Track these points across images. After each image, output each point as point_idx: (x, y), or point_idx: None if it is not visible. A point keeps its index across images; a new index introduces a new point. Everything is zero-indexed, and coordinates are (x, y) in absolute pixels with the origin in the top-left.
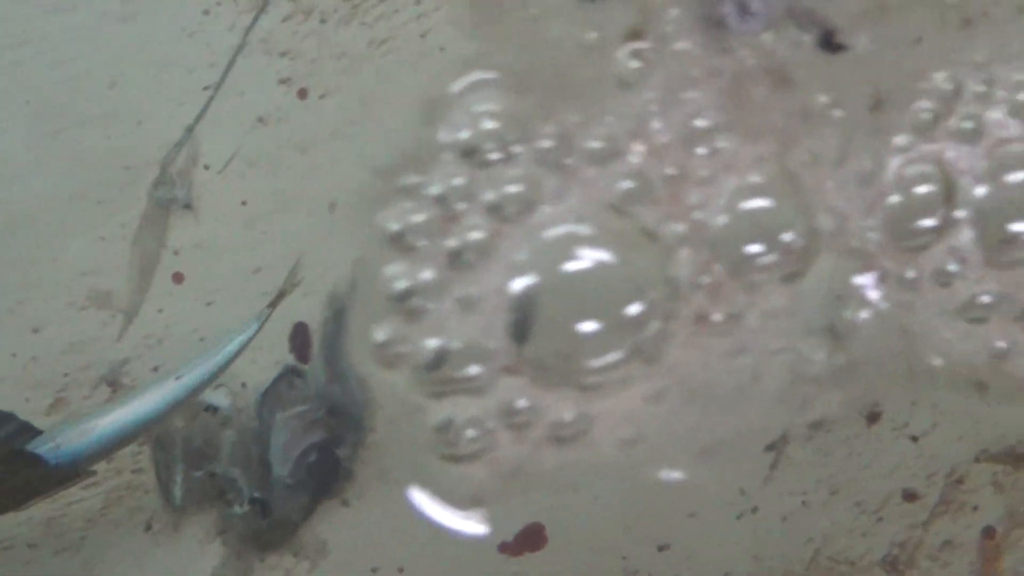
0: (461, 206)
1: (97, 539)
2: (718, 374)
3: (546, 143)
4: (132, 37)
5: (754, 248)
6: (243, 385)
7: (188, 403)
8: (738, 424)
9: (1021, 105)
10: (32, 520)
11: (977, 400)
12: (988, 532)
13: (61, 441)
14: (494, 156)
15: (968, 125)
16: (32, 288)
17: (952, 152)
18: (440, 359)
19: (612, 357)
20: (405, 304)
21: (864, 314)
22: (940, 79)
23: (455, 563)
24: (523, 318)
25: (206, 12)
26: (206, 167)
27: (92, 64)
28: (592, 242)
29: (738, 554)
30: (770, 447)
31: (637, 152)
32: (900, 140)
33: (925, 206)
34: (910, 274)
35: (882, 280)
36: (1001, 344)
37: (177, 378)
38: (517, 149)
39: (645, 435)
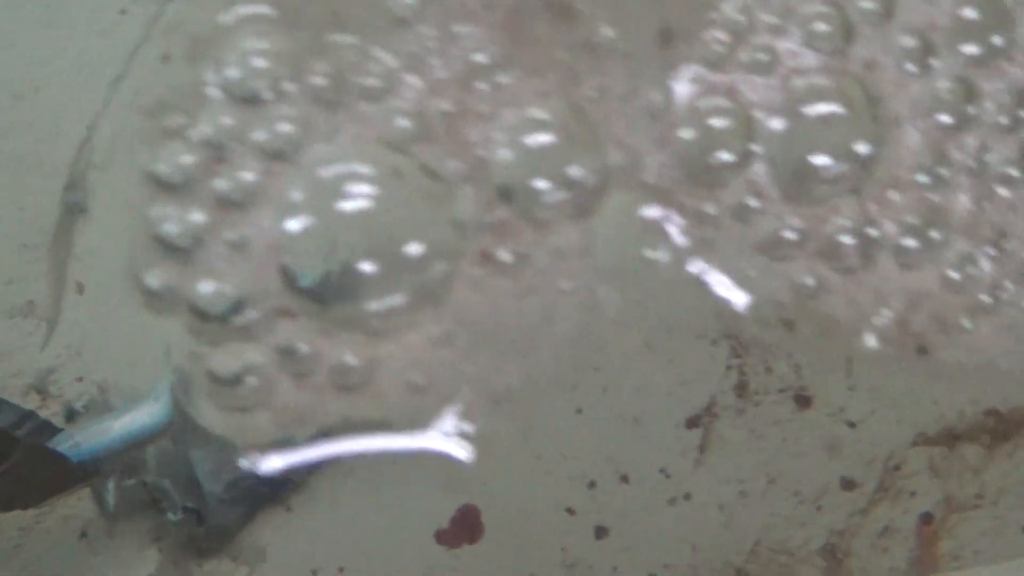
0: (231, 147)
1: (32, 547)
2: (507, 316)
3: (319, 80)
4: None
5: (541, 185)
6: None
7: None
8: (530, 368)
9: (815, 35)
10: None
11: (790, 338)
12: (925, 518)
13: (80, 440)
14: (265, 95)
15: (762, 57)
16: None
17: (746, 84)
18: (215, 304)
19: (395, 300)
20: (175, 248)
21: (661, 253)
22: (730, 9)
23: (395, 560)
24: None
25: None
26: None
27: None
28: (369, 181)
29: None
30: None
31: (414, 88)
32: (691, 72)
33: (720, 140)
34: (708, 210)
35: (679, 217)
36: (807, 281)
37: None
38: (289, 87)
39: (435, 381)
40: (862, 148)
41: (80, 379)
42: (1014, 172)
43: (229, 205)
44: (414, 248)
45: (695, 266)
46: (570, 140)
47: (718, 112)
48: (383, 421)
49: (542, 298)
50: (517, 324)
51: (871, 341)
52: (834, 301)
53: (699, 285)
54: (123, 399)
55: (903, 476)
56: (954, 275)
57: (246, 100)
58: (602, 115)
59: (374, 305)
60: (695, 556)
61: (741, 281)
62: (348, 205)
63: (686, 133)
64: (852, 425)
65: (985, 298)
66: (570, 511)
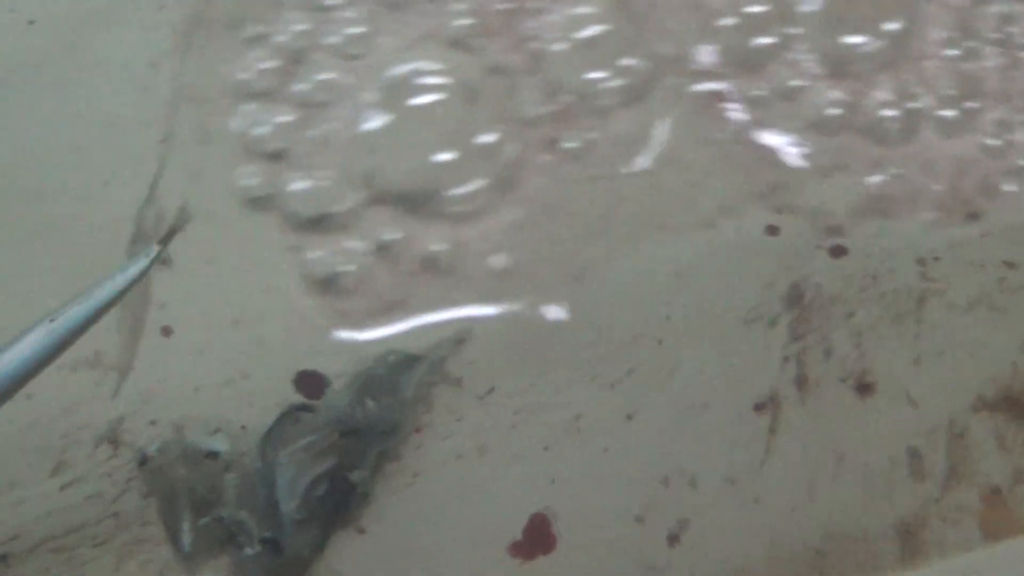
0: (307, 51)
1: None
2: (578, 199)
3: None
4: (83, 99)
5: (595, 75)
6: (243, 428)
7: (66, 348)
8: (607, 248)
9: None
10: None
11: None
12: (993, 487)
13: None
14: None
15: None
16: None
17: None
18: (306, 200)
19: (472, 187)
20: (264, 149)
21: (716, 132)
22: None
23: None
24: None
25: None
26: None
27: (47, 132)
28: (437, 75)
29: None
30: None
31: None
32: None
33: (760, 25)
34: (756, 91)
35: (730, 98)
36: (860, 159)
37: (51, 320)
38: None
39: (516, 262)
40: (893, 26)
41: (154, 423)
42: None
43: (311, 105)
44: (485, 138)
45: (750, 139)
46: (619, 31)
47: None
48: (470, 301)
49: (608, 182)
50: (588, 207)
51: (927, 213)
52: (886, 180)
53: (756, 158)
54: (200, 435)
55: (969, 446)
56: (993, 142)
57: (318, 7)
58: (647, 6)
59: (454, 193)
60: (772, 548)
61: (796, 156)
62: (420, 100)
63: (726, 20)
64: (914, 403)
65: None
66: (641, 517)
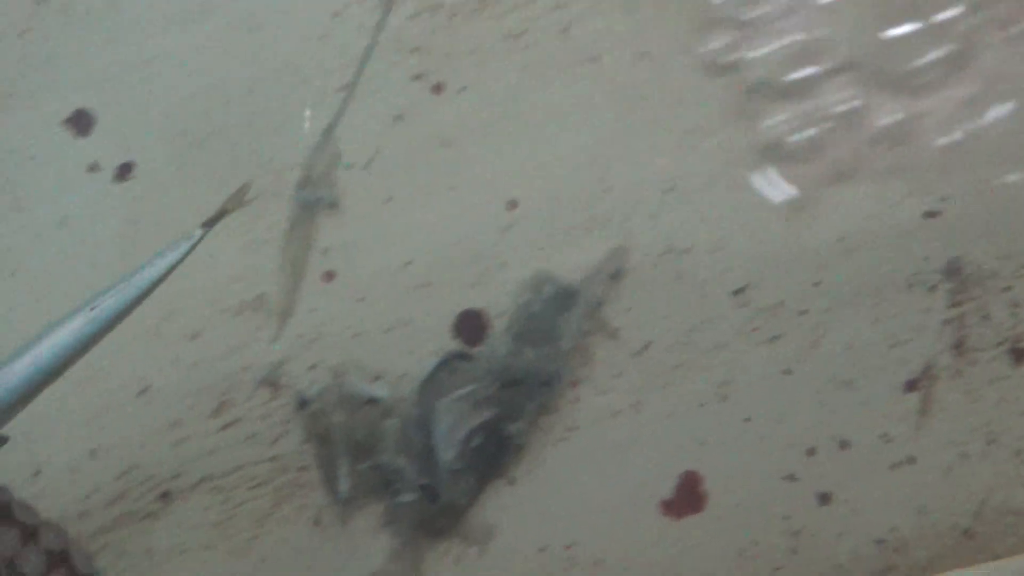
0: None
1: (268, 538)
2: None
3: None
4: (263, 45)
5: None
6: (403, 375)
7: (105, 335)
8: None
9: None
10: (204, 524)
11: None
12: None
13: None
14: None
15: None
16: (186, 296)
17: None
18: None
19: (930, 59)
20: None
21: None
22: None
23: (622, 533)
24: None
25: (335, 15)
26: (348, 166)
27: (226, 73)
28: None
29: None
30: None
31: None
32: None
33: None
34: None
35: None
36: None
37: (91, 309)
38: None
39: (973, 133)
40: None
41: (313, 367)
42: None
43: None
44: (943, 15)
45: None
46: None
47: None
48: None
49: None
50: None
51: None
52: None
53: None
54: (359, 381)
55: None
56: None
57: None
58: None
59: (912, 64)
60: (921, 519)
61: None
62: None
63: None
64: None
65: None
66: (791, 477)
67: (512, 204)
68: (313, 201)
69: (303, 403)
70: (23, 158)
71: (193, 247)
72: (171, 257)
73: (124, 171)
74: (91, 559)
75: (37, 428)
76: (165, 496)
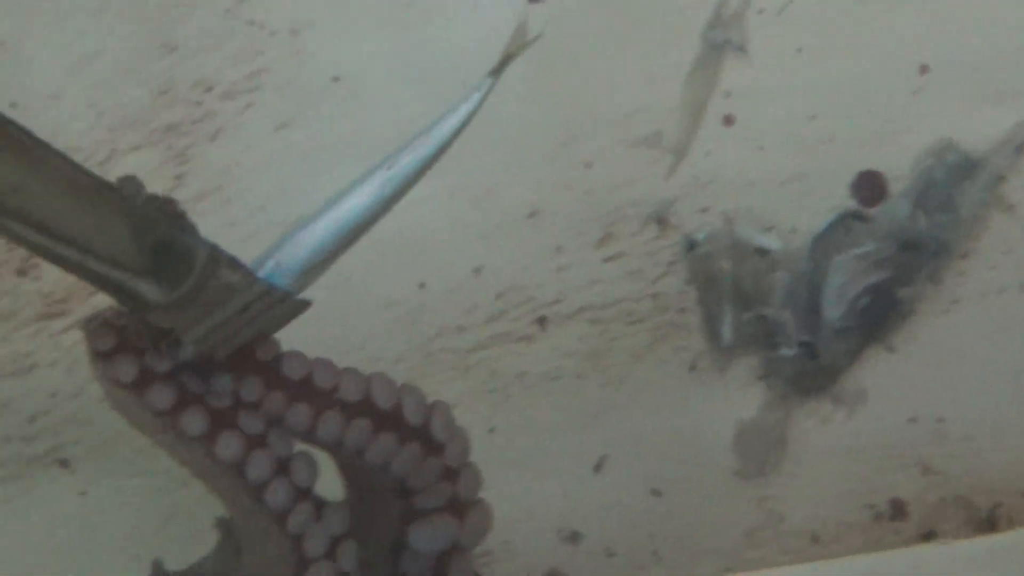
0: None
1: (641, 375)
2: None
3: None
4: None
5: None
6: (793, 229)
7: (404, 194)
8: None
9: None
10: (579, 353)
11: None
12: None
13: (280, 258)
14: None
15: None
16: (585, 124)
17: None
18: None
19: None
20: None
21: None
22: None
23: (996, 413)
24: None
25: None
26: (760, 11)
27: None
28: None
29: None
30: None
31: None
32: None
33: None
34: None
35: None
36: None
37: (388, 168)
38: None
39: None
40: None
41: (704, 210)
42: None
43: None
44: None
45: None
46: None
47: None
48: None
49: None
50: None
51: None
52: None
53: None
54: (751, 229)
55: None
56: None
57: None
58: None
59: None
60: None
61: None
62: None
63: None
64: None
65: None
66: None
67: (923, 68)
68: (721, 43)
69: (692, 245)
70: None
71: (484, 97)
72: (464, 110)
73: None
74: None
75: (425, 242)
76: (542, 321)
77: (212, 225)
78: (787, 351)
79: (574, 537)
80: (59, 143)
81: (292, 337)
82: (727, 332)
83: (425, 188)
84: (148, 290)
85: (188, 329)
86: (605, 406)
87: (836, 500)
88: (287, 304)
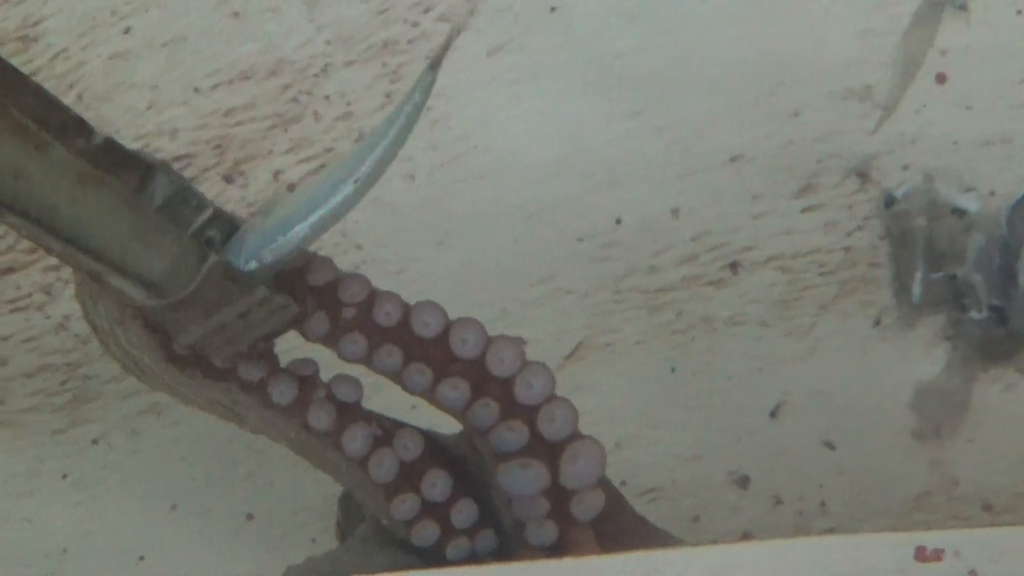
0: None
1: (826, 326)
2: None
3: None
4: None
5: None
6: (992, 192)
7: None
8: None
9: None
10: (766, 301)
11: None
12: None
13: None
14: None
15: None
16: (793, 73)
17: None
18: None
19: None
20: None
21: None
22: None
23: None
24: None
25: None
26: None
27: None
28: None
29: None
30: None
31: None
32: None
33: None
34: None
35: None
36: None
37: (355, 181)
38: None
39: None
40: None
41: (906, 167)
42: None
43: None
44: None
45: None
46: None
47: None
48: None
49: None
50: None
51: None
52: None
53: None
54: (950, 189)
55: None
56: None
57: None
58: None
59: None
60: None
61: None
62: None
63: None
64: None
65: None
66: None
67: None
68: (943, 0)
69: (890, 201)
70: None
71: (427, 95)
72: (409, 110)
73: None
74: None
75: (625, 179)
76: (733, 266)
77: (413, 149)
78: (976, 314)
79: (743, 481)
80: (275, 56)
81: (481, 260)
82: (917, 290)
83: (628, 125)
84: (132, 290)
85: (183, 331)
86: (786, 355)
87: (1012, 469)
88: (287, 311)
